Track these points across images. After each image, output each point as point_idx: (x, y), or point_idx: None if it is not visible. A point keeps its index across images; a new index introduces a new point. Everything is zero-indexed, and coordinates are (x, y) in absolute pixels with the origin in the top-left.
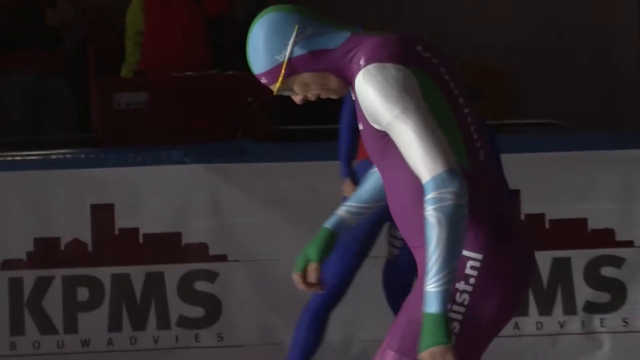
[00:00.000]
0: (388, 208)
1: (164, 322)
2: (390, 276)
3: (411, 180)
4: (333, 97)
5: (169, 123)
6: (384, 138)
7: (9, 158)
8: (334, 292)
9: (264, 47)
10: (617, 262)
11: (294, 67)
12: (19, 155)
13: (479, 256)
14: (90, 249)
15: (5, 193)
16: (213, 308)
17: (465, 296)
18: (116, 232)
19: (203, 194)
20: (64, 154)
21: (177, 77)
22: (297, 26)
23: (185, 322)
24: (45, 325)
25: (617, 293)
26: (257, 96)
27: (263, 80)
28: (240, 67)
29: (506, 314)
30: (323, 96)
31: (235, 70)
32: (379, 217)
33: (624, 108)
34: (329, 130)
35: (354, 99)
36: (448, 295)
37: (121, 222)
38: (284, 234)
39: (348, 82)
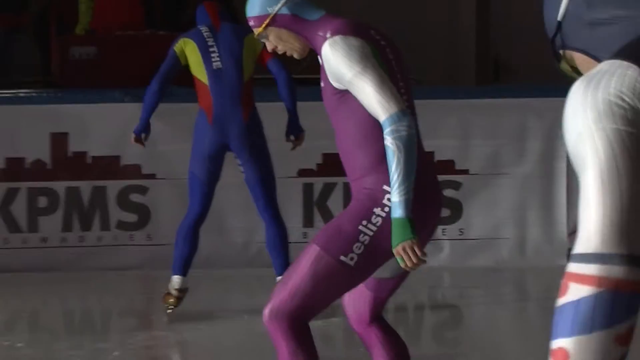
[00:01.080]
0: (222, 145)
1: (105, 225)
2: (250, 192)
3: (356, 130)
4: (295, 56)
5: (113, 71)
6: (339, 95)
7: None
8: (199, 214)
9: None
10: (456, 185)
11: (277, 21)
12: None
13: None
14: (49, 167)
15: None
16: (144, 215)
17: (379, 220)
18: (69, 155)
19: (134, 123)
20: (29, 92)
21: (119, 35)
22: (291, 1)
23: (122, 225)
24: (13, 226)
25: (455, 210)
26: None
27: (251, 23)
28: (166, 28)
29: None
30: (288, 53)
31: (164, 30)
32: (215, 151)
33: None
34: None
35: (320, 63)
36: (409, 203)
37: (73, 146)
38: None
39: (314, 49)
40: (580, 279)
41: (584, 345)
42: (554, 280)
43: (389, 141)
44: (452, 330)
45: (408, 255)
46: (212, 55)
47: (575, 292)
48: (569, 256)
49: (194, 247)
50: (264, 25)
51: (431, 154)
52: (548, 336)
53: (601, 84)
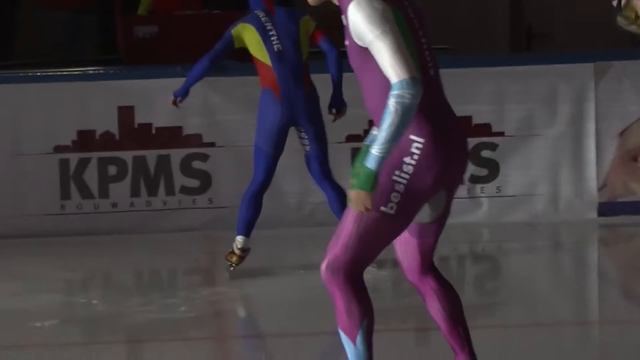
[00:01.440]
0: (290, 121)
1: (170, 190)
2: (309, 164)
3: (382, 85)
4: (311, 2)
5: (173, 48)
6: (364, 52)
7: (58, 73)
8: (263, 182)
9: None
10: (493, 147)
11: None
12: (65, 71)
13: (422, 140)
14: (117, 138)
15: (55, 98)
16: (205, 180)
17: (410, 167)
18: (135, 126)
19: (198, 99)
20: (97, 70)
21: (178, 15)
22: None
23: (185, 190)
24: (85, 193)
25: (493, 169)
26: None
27: None
28: (221, 7)
29: (436, 187)
30: (310, 2)
31: (218, 9)
32: (284, 126)
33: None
34: None
35: (344, 23)
36: (382, 161)
37: (139, 118)
38: (254, 128)
39: (340, 8)
40: None
41: None
42: (585, 233)
43: (391, 102)
44: (491, 280)
45: (360, 203)
46: (272, 38)
47: None
48: (599, 210)
49: (258, 212)
50: None
51: (469, 118)
52: (580, 283)
53: None
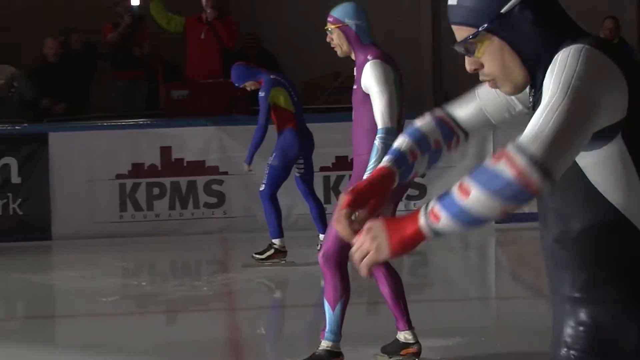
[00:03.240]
0: (302, 151)
1: (196, 205)
2: (299, 184)
3: (369, 121)
4: (338, 53)
5: (199, 105)
6: (365, 97)
7: (119, 123)
8: (275, 190)
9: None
10: (423, 175)
11: (345, 31)
12: (124, 121)
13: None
14: (159, 168)
15: (117, 140)
16: (221, 198)
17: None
18: (172, 160)
19: (216, 141)
20: (146, 121)
21: (203, 82)
22: (359, 19)
23: (207, 205)
24: (137, 207)
25: (422, 190)
26: (243, 92)
27: (329, 19)
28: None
29: (394, 196)
30: (335, 48)
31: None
32: (298, 156)
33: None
34: None
35: (355, 73)
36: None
37: (175, 155)
38: (260, 163)
39: (355, 60)
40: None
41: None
42: (486, 236)
43: (377, 141)
44: (421, 268)
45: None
46: (292, 93)
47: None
48: (496, 219)
49: (279, 211)
50: (335, 26)
51: None
52: (482, 271)
53: None
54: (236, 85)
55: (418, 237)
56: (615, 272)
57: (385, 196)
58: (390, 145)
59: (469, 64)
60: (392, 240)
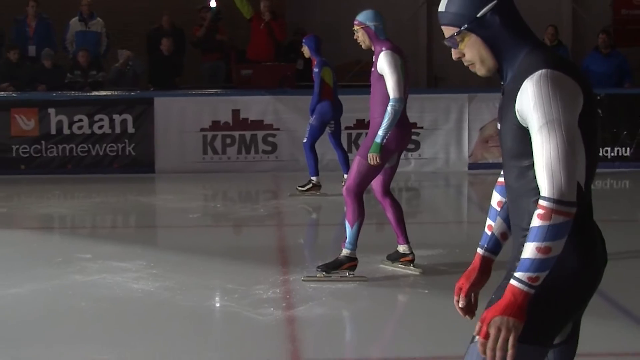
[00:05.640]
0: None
1: (257, 151)
2: (330, 138)
3: (382, 96)
4: (362, 45)
5: (259, 81)
6: (379, 77)
7: (204, 92)
8: (315, 140)
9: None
10: (418, 134)
11: (367, 30)
12: (207, 92)
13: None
14: (231, 124)
15: (202, 105)
16: (274, 147)
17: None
18: (240, 119)
19: (271, 106)
20: (223, 91)
21: (262, 64)
22: (377, 21)
23: (264, 152)
24: (214, 151)
25: (417, 144)
26: (290, 71)
27: (356, 22)
28: (285, 60)
29: (396, 150)
30: (358, 40)
31: (284, 61)
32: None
33: (416, 78)
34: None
35: (374, 59)
36: (383, 138)
37: (242, 115)
38: (299, 122)
39: (374, 51)
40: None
41: None
42: (461, 178)
43: (389, 107)
44: (415, 199)
45: (374, 159)
46: (333, 73)
47: None
48: (469, 166)
49: (317, 157)
50: (360, 27)
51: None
52: (458, 201)
53: None
54: (303, 43)
55: (527, 300)
56: None
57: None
58: (400, 110)
59: (454, 54)
60: (517, 316)
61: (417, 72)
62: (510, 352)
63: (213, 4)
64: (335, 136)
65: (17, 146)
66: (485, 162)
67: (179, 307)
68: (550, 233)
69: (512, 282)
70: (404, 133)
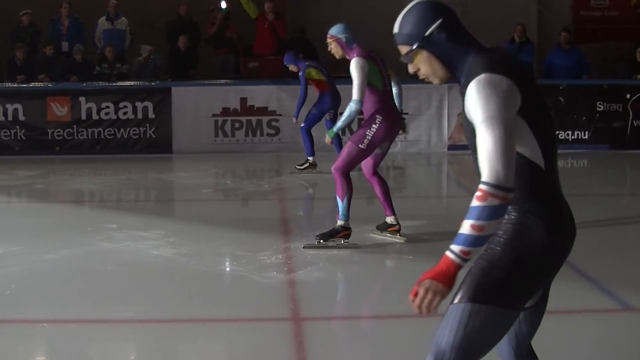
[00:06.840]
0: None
1: (262, 134)
2: (327, 123)
3: (367, 98)
4: (337, 57)
5: (264, 72)
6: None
7: (215, 82)
8: (312, 126)
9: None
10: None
11: (338, 42)
12: (218, 82)
13: (381, 117)
14: (239, 111)
15: (214, 93)
16: (277, 130)
17: (374, 128)
18: (247, 106)
19: (275, 94)
20: (232, 81)
21: (267, 58)
22: (346, 33)
23: (268, 134)
24: (227, 134)
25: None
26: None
27: (329, 35)
28: (284, 53)
29: (387, 138)
30: (337, 57)
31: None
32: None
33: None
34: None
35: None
36: (340, 129)
37: (249, 102)
38: (302, 112)
39: (347, 58)
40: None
41: None
42: (441, 158)
43: (348, 106)
44: (400, 177)
45: (328, 142)
46: (322, 69)
47: None
48: (448, 148)
49: (312, 140)
50: (332, 40)
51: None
52: (439, 178)
53: None
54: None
55: (457, 271)
56: (526, 192)
57: None
58: (355, 110)
59: (410, 68)
60: (444, 282)
61: (403, 65)
62: (431, 312)
63: (224, 5)
64: (333, 122)
65: (52, 130)
66: (463, 144)
67: (193, 271)
68: (486, 213)
69: (447, 252)
70: (393, 123)
